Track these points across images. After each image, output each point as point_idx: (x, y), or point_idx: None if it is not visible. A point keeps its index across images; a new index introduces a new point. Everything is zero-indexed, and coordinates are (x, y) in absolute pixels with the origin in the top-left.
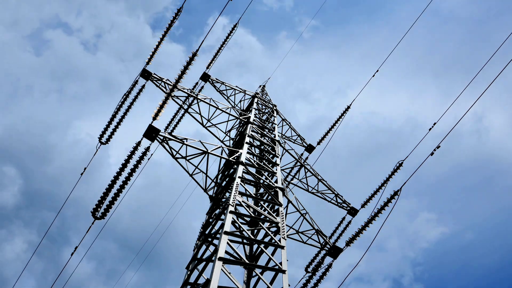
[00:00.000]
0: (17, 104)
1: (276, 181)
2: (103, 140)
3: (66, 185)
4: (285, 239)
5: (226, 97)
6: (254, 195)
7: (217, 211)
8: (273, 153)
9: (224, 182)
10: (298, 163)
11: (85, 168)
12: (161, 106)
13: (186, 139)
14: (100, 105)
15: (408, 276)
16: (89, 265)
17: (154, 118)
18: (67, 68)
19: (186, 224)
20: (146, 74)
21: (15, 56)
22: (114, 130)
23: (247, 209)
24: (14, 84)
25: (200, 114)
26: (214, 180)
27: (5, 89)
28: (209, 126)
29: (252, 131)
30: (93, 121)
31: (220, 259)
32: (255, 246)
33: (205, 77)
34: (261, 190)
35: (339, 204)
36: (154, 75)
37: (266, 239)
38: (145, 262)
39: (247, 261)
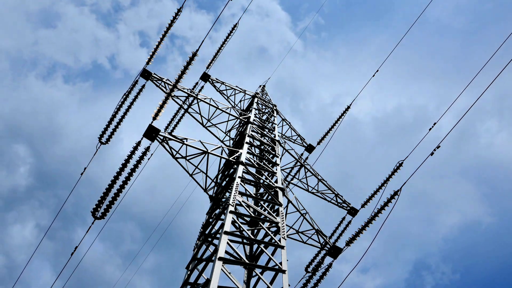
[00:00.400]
0: (22, 81)
1: (276, 181)
2: (103, 140)
3: (80, 164)
4: (285, 239)
5: (226, 97)
6: (254, 195)
7: (217, 211)
8: (273, 153)
9: (224, 182)
10: (298, 163)
11: (85, 168)
12: (161, 106)
13: (186, 139)
14: (114, 83)
15: (435, 256)
16: (105, 246)
17: (154, 118)
18: (78, 42)
19: (203, 204)
20: (146, 74)
21: (20, 28)
22: (114, 130)
23: (247, 209)
24: (18, 60)
25: (200, 114)
26: (214, 180)
27: (9, 65)
28: (209, 126)
29: (252, 131)
30: (105, 99)
31: (220, 259)
32: (255, 246)
33: (205, 77)
34: (261, 190)
35: (339, 204)
36: (154, 75)
37: (266, 239)
38: (164, 243)
39: (247, 261)
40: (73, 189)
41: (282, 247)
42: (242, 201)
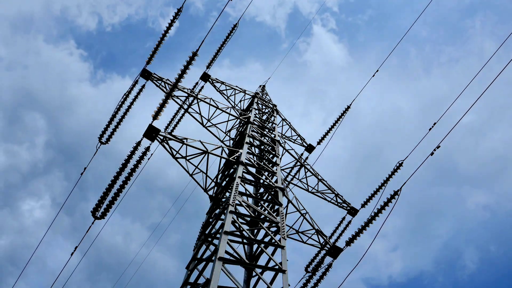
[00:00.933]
0: (32, 44)
1: (276, 181)
2: (103, 140)
3: (97, 135)
4: (285, 239)
5: (226, 97)
6: (254, 195)
7: (217, 211)
8: (273, 153)
9: (224, 182)
10: (298, 163)
11: (85, 168)
12: (161, 106)
13: (186, 139)
14: (128, 51)
15: (472, 233)
16: (129, 221)
17: (154, 118)
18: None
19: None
20: (146, 74)
21: None
22: (114, 130)
23: (247, 209)
24: (27, 21)
25: (200, 114)
26: (214, 180)
27: (18, 26)
28: (209, 126)
29: (252, 131)
30: (122, 66)
31: (220, 259)
32: (255, 246)
33: (205, 77)
34: (261, 190)
35: (339, 204)
36: (154, 75)
37: (266, 239)
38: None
39: (247, 261)
40: (75, 184)
41: (282, 247)
42: (242, 201)
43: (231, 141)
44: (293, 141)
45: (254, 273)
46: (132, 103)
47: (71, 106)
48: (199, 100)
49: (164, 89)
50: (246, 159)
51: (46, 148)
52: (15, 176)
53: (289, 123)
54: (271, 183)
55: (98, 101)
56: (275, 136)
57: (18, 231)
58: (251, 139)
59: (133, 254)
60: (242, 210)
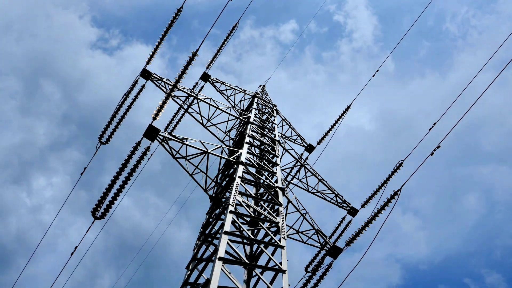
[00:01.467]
0: (40, 8)
1: (276, 181)
2: (103, 140)
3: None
4: (285, 239)
5: (226, 97)
6: (254, 195)
7: (217, 211)
8: (273, 153)
9: (224, 182)
10: (298, 163)
11: (85, 168)
12: (161, 106)
13: (186, 139)
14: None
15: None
16: (150, 194)
17: (154, 118)
18: None
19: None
20: (146, 74)
21: None
22: (114, 130)
23: (247, 209)
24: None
25: (200, 114)
26: (214, 180)
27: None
28: (209, 126)
29: (252, 131)
30: (137, 41)
31: (220, 259)
32: (255, 246)
33: (205, 77)
34: (261, 190)
35: (339, 204)
36: (154, 75)
37: (266, 239)
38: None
39: (247, 261)
40: (77, 182)
41: (282, 247)
42: (242, 201)
43: (231, 141)
44: (293, 141)
45: (254, 273)
46: (132, 103)
47: (86, 75)
48: (199, 100)
49: (164, 89)
50: (246, 159)
51: (61, 121)
52: (32, 150)
53: (289, 123)
54: (271, 183)
55: (113, 69)
56: (275, 136)
57: (32, 210)
58: (251, 139)
59: (156, 231)
60: (242, 210)
